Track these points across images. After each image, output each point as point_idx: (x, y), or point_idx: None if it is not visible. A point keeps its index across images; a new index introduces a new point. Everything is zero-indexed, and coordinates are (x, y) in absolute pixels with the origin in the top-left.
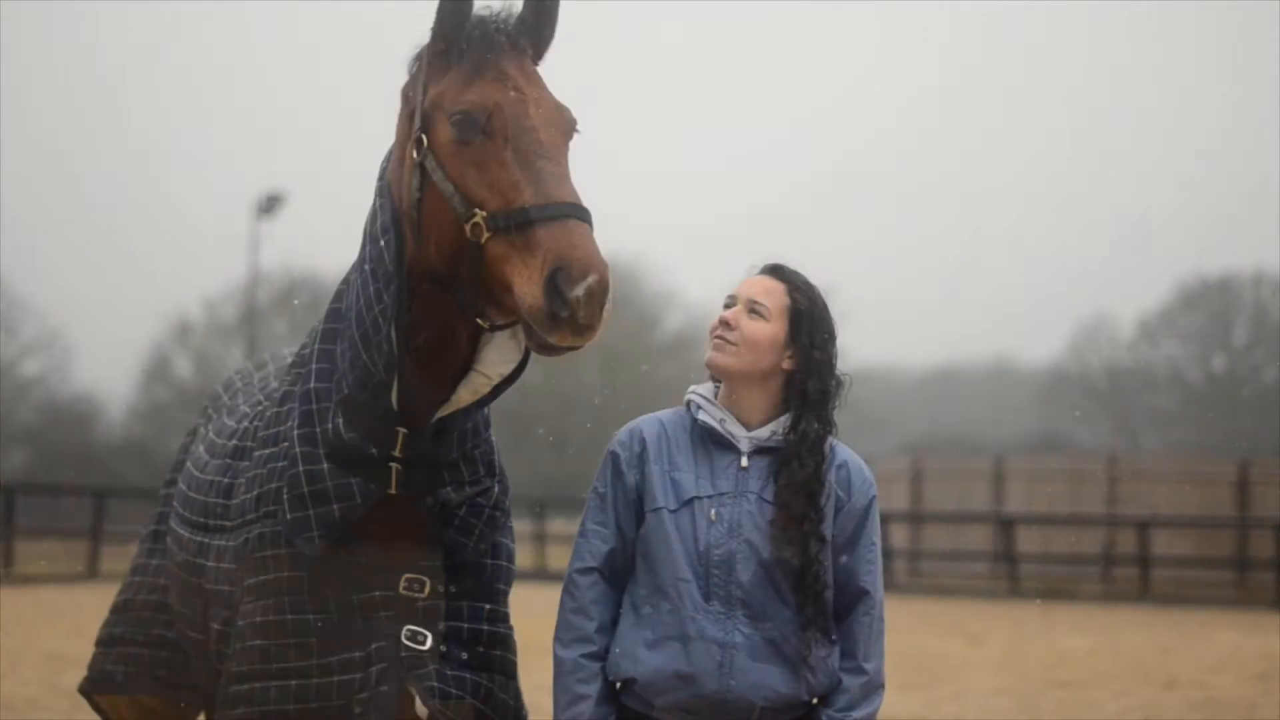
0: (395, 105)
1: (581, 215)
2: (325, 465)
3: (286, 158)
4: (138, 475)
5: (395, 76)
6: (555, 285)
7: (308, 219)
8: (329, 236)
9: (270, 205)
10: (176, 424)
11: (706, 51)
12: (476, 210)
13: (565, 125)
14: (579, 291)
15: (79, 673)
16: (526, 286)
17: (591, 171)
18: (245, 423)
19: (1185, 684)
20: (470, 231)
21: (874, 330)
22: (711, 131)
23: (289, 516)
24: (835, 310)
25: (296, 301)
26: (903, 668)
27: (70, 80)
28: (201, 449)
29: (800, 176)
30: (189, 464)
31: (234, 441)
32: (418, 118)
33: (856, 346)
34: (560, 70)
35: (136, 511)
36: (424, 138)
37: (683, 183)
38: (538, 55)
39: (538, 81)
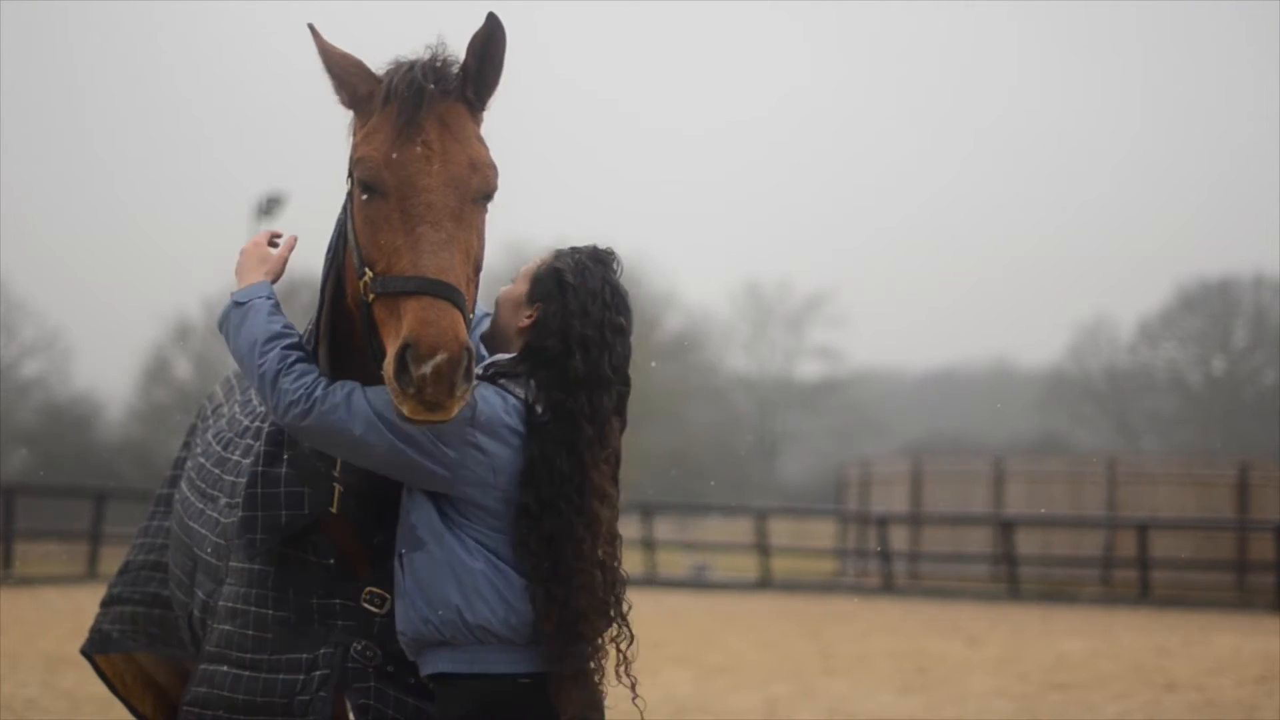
0: None
1: (440, 292)
2: (284, 469)
3: (286, 158)
4: (138, 476)
5: None
6: (404, 361)
7: (308, 220)
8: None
9: (270, 206)
10: (176, 425)
11: (707, 55)
12: (367, 269)
13: (474, 184)
14: (425, 370)
15: (79, 674)
16: (388, 356)
17: (592, 174)
18: (248, 420)
19: (1185, 686)
20: (363, 289)
21: (874, 333)
22: (712, 134)
23: (240, 514)
24: (830, 312)
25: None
26: (903, 669)
27: (70, 82)
28: (198, 451)
29: (799, 179)
30: (188, 464)
31: (235, 435)
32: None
33: (857, 349)
34: (561, 76)
35: (136, 512)
36: (350, 183)
37: (683, 186)
38: (480, 101)
39: (457, 134)
